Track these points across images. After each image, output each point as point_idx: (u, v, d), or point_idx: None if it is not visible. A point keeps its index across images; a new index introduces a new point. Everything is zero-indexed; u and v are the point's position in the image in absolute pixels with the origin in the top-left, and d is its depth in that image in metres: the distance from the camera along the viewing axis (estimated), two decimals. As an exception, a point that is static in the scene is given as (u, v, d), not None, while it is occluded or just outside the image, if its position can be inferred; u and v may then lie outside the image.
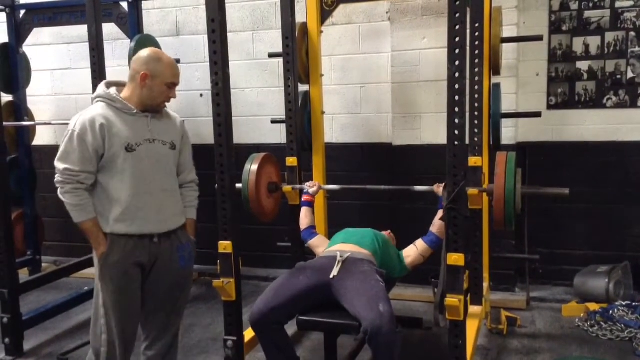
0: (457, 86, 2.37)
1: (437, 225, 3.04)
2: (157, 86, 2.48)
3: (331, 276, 2.76)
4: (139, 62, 2.48)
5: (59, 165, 2.40)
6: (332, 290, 2.74)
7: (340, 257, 2.87)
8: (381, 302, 2.54)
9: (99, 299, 2.50)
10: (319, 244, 3.28)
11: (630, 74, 4.14)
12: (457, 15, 2.35)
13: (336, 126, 4.69)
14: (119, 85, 2.57)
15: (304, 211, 3.43)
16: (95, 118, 2.40)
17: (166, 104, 2.59)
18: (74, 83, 5.25)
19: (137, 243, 2.49)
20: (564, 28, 4.23)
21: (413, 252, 3.10)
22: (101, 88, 2.52)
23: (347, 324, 2.64)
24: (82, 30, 4.52)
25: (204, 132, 4.87)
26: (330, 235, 3.43)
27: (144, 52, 2.52)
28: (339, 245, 3.07)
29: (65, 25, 4.90)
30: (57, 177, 2.41)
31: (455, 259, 2.45)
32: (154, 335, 2.67)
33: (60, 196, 2.42)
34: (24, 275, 4.59)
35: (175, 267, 2.61)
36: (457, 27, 2.35)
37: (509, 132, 4.10)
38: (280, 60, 3.85)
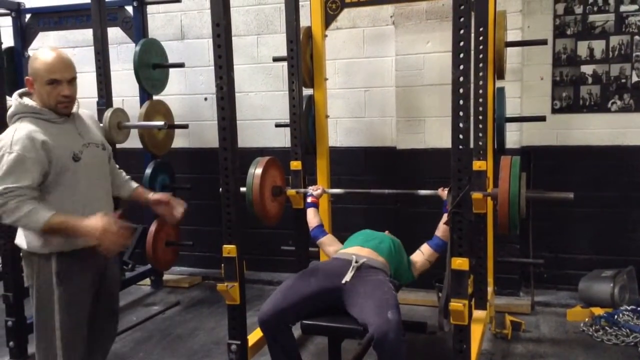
0: (461, 90, 2.37)
1: (442, 229, 3.04)
2: (40, 88, 2.27)
3: (343, 282, 2.75)
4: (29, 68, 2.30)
5: None
6: (342, 295, 2.74)
7: (356, 262, 2.86)
8: (390, 310, 2.53)
9: (54, 322, 2.29)
10: (330, 243, 3.30)
11: (635, 78, 4.13)
12: (462, 19, 2.35)
13: (340, 130, 4.69)
14: (29, 94, 2.36)
15: (311, 212, 3.44)
16: (33, 135, 2.20)
17: (65, 105, 2.33)
18: (79, 87, 5.20)
19: (96, 254, 2.32)
20: (569, 32, 4.23)
21: (420, 258, 3.10)
22: (18, 102, 2.28)
23: (351, 328, 2.64)
24: (87, 34, 4.55)
25: (208, 135, 4.89)
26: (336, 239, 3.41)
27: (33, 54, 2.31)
28: (356, 248, 3.05)
29: (70, 29, 4.94)
30: None
31: (460, 263, 2.45)
32: (103, 345, 2.58)
33: (7, 220, 2.16)
34: (28, 278, 4.60)
35: (117, 270, 2.64)
36: (462, 31, 2.35)
37: (514, 136, 4.10)
38: (285, 64, 3.86)
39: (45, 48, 2.34)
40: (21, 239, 2.34)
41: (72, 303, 2.31)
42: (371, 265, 2.89)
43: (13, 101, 2.29)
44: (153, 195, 2.65)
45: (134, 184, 2.71)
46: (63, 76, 2.29)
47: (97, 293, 2.45)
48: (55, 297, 2.28)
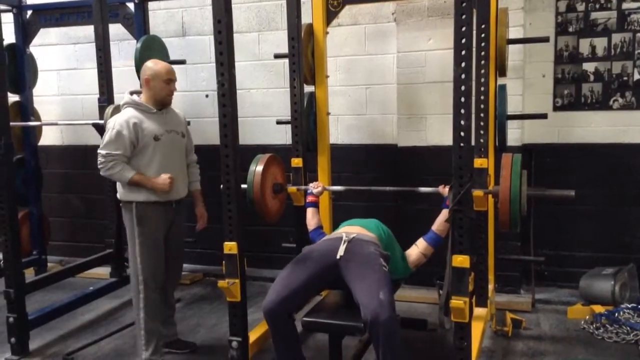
0: (463, 87, 2.37)
1: (438, 223, 3.06)
2: (157, 84, 3.19)
3: (337, 256, 2.83)
4: (143, 72, 3.24)
5: (101, 151, 3.10)
6: (339, 271, 2.80)
7: (346, 237, 2.94)
8: (382, 290, 2.58)
9: (136, 253, 3.19)
10: None
11: (636, 76, 4.13)
12: (464, 16, 2.34)
13: (341, 127, 4.69)
14: (139, 92, 3.28)
15: (310, 212, 3.45)
16: (129, 118, 3.13)
17: (171, 97, 3.27)
18: (80, 83, 5.27)
19: (165, 208, 3.25)
20: (571, 29, 4.22)
21: (415, 251, 3.13)
22: (127, 96, 3.23)
23: (352, 325, 2.65)
24: (88, 30, 4.54)
25: (210, 132, 4.87)
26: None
27: (146, 64, 3.26)
28: (345, 228, 3.16)
29: (71, 26, 4.93)
30: (100, 160, 3.11)
31: (461, 260, 2.45)
32: (173, 277, 3.48)
33: (106, 173, 3.12)
34: (29, 275, 4.61)
35: (182, 224, 3.45)
36: (463, 28, 2.35)
37: (515, 134, 4.09)
38: (286, 61, 3.85)
39: (154, 59, 3.31)
40: (119, 192, 3.24)
41: (147, 239, 3.20)
42: (362, 238, 2.96)
43: (125, 95, 3.23)
44: (197, 208, 3.57)
45: (196, 186, 3.54)
46: (175, 77, 3.28)
47: (166, 237, 3.30)
48: (136, 233, 3.18)
